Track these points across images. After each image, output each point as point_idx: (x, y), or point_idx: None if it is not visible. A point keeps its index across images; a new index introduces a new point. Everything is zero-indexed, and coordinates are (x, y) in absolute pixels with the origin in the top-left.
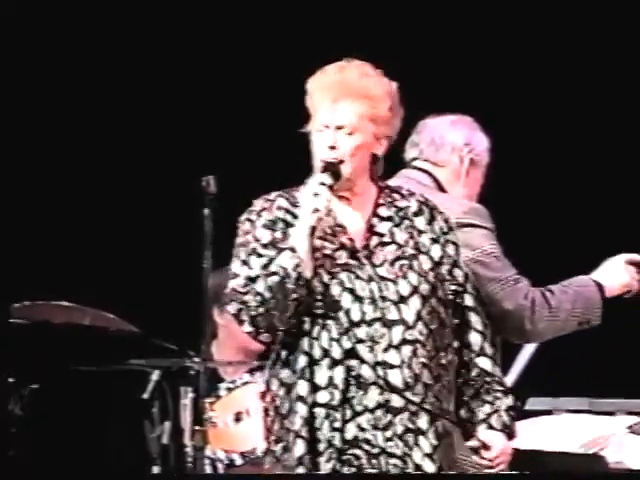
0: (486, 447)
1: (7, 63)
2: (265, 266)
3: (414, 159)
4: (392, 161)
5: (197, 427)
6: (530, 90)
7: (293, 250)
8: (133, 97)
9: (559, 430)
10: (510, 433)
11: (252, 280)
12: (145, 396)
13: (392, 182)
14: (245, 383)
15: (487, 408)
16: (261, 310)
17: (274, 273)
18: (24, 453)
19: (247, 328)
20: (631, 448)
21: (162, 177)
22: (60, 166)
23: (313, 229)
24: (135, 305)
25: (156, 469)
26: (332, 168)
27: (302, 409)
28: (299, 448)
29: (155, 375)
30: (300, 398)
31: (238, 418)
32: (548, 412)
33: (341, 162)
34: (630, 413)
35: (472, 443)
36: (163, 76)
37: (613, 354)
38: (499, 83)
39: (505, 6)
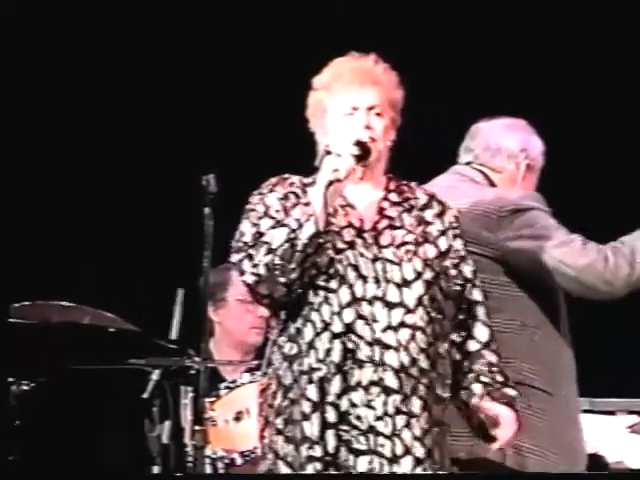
0: (490, 419)
1: (7, 63)
2: (276, 223)
3: (468, 163)
4: (399, 164)
5: (197, 426)
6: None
7: (307, 204)
8: (133, 96)
9: None
10: (513, 407)
11: (261, 235)
12: (145, 395)
13: (443, 177)
14: (245, 383)
15: (490, 388)
16: (266, 259)
17: (285, 225)
18: (23, 452)
19: (247, 277)
20: (631, 448)
21: (162, 176)
22: (60, 165)
23: (329, 184)
24: (135, 305)
25: (156, 469)
26: (364, 146)
27: (316, 378)
28: (317, 419)
29: (155, 374)
30: (312, 369)
31: (238, 417)
32: None
33: (374, 141)
34: (631, 412)
35: (476, 420)
36: (163, 75)
37: (613, 354)
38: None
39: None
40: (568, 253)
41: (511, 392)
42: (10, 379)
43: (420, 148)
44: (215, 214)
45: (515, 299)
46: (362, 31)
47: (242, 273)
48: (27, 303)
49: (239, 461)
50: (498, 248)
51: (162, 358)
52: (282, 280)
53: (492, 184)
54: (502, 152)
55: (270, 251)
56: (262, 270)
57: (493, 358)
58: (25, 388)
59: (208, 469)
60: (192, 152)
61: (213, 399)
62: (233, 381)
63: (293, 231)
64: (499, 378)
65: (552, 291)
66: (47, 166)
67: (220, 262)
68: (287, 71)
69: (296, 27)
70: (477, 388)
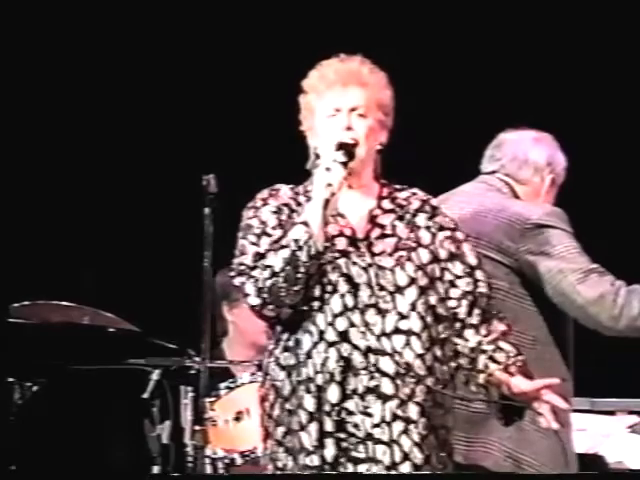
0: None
1: (7, 63)
2: (274, 242)
3: (493, 172)
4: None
5: (197, 426)
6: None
7: (306, 224)
8: (133, 96)
9: None
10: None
11: (261, 256)
12: (145, 395)
13: (469, 185)
14: (245, 382)
15: (503, 363)
16: (269, 283)
17: (285, 246)
18: (23, 452)
19: (253, 301)
20: (631, 448)
21: (162, 176)
22: (60, 165)
23: (326, 202)
24: (135, 305)
25: (156, 469)
26: (347, 148)
27: (313, 389)
28: (314, 429)
29: (155, 374)
30: (310, 379)
31: (238, 417)
32: None
33: (356, 143)
34: (631, 412)
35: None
36: (163, 75)
37: (613, 354)
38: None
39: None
40: (584, 281)
41: (521, 357)
42: (10, 379)
43: (420, 150)
44: (215, 214)
45: (528, 313)
46: (365, 34)
47: (246, 296)
48: (27, 303)
49: (239, 461)
50: (517, 258)
51: (162, 358)
52: (287, 302)
53: (516, 196)
54: (529, 164)
55: (273, 274)
56: (266, 294)
57: (495, 335)
58: (25, 389)
59: (208, 469)
60: (192, 153)
61: (213, 399)
62: (233, 381)
63: (294, 252)
64: (507, 347)
65: (564, 312)
66: (47, 166)
67: (220, 262)
68: (286, 73)
69: (295, 30)
70: (492, 367)
